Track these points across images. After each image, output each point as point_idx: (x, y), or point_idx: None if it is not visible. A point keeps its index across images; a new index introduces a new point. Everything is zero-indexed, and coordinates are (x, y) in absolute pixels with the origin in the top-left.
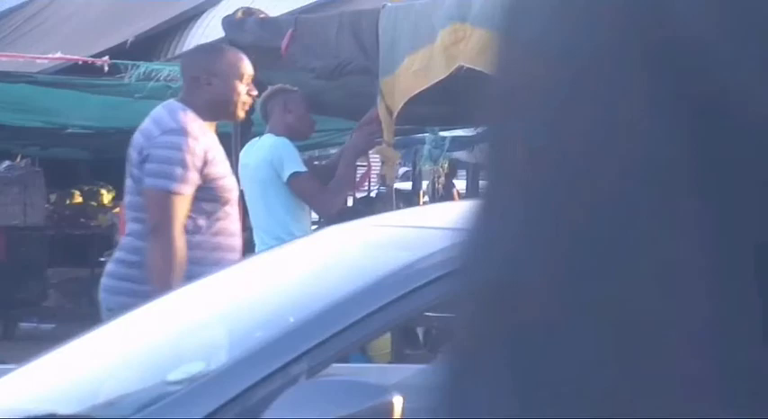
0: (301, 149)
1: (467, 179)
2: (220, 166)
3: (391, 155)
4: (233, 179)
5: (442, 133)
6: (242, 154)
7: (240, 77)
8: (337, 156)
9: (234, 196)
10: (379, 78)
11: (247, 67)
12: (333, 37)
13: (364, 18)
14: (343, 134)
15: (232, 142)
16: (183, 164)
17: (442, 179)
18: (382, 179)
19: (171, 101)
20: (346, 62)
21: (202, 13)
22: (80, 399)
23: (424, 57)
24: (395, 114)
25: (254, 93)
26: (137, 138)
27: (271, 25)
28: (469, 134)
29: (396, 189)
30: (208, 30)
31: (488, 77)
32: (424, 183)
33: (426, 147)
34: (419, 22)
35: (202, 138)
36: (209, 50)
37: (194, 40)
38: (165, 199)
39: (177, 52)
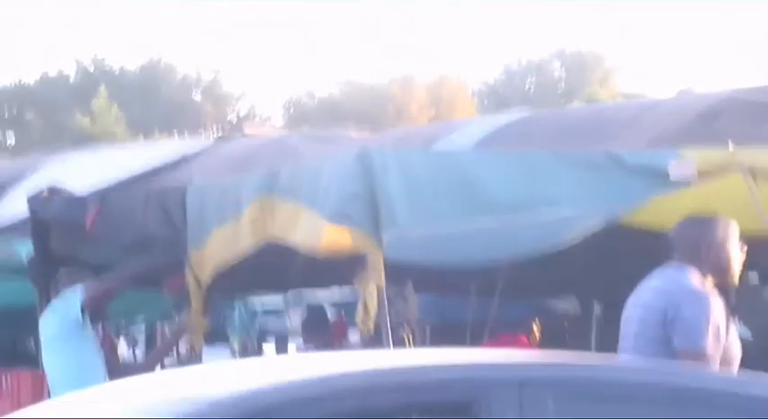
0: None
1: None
2: (731, 331)
3: (200, 323)
4: (738, 344)
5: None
6: None
7: (734, 243)
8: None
9: (736, 361)
10: (188, 251)
11: (737, 231)
12: (140, 212)
13: (170, 195)
14: (148, 305)
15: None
16: (710, 326)
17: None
18: (192, 347)
19: (677, 263)
20: (154, 236)
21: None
22: None
23: (231, 230)
24: (203, 285)
25: (745, 248)
26: (651, 299)
27: (77, 203)
28: (279, 304)
29: None
30: (9, 204)
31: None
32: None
33: (235, 314)
34: (226, 198)
35: (719, 302)
36: (705, 224)
37: None
38: (697, 357)
39: None
